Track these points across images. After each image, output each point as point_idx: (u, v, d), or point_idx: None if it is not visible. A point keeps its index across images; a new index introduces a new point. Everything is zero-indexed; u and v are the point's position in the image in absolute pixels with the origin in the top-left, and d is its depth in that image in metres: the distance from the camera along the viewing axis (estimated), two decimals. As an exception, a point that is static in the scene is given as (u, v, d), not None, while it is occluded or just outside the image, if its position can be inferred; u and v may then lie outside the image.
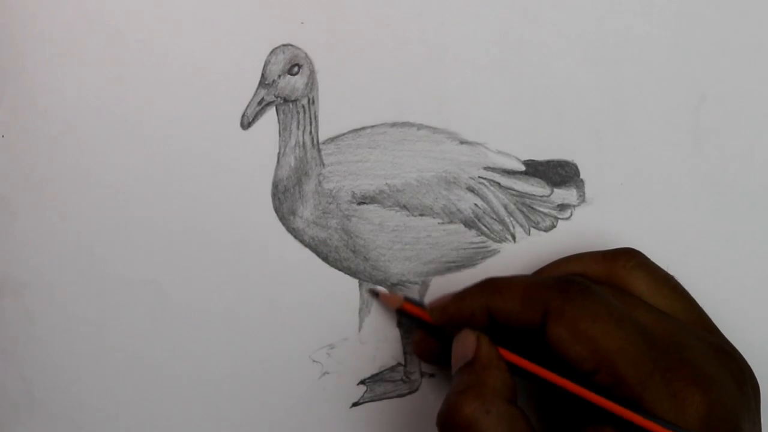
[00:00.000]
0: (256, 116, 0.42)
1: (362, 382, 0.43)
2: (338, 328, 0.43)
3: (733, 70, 0.44)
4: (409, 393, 0.43)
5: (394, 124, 0.43)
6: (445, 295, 0.39)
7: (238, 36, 0.42)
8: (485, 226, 0.43)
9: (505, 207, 0.43)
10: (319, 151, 0.43)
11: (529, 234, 0.43)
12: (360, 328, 0.43)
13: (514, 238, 0.43)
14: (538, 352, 0.36)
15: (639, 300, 0.38)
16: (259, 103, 0.42)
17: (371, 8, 0.43)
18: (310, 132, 0.42)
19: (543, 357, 0.36)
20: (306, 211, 0.42)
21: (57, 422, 0.42)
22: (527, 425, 0.35)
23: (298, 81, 0.42)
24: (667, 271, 0.40)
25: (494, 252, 0.43)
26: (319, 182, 0.42)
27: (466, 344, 0.37)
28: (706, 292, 0.41)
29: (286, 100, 0.42)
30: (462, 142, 0.43)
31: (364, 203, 0.43)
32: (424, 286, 0.43)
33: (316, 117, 0.42)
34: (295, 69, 0.42)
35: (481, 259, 0.43)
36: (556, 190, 0.43)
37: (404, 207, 0.43)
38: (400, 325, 0.43)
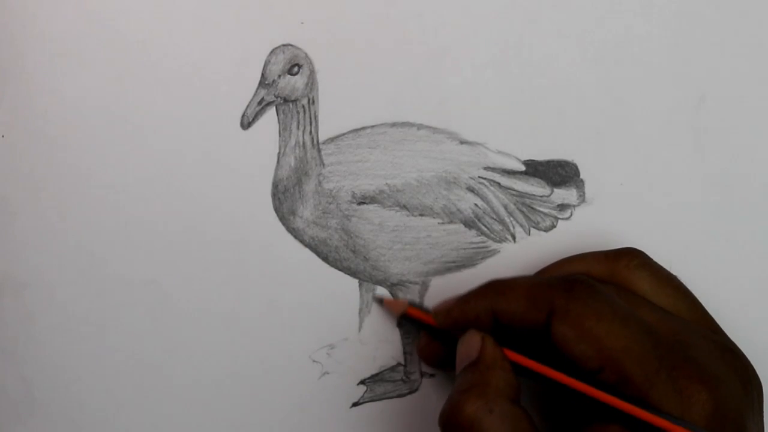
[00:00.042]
0: (256, 116, 0.42)
1: (362, 382, 0.43)
2: (338, 328, 0.43)
3: (733, 70, 0.44)
4: (409, 393, 0.43)
5: (394, 124, 0.43)
6: (449, 298, 0.39)
7: (238, 36, 0.42)
8: (485, 226, 0.43)
9: (505, 207, 0.43)
10: (319, 151, 0.43)
11: (529, 234, 0.43)
12: (360, 328, 0.43)
13: (514, 238, 0.43)
14: (543, 353, 0.36)
15: (643, 299, 0.38)
16: (259, 103, 0.42)
17: (371, 8, 0.43)
18: (310, 132, 0.42)
19: (548, 357, 0.36)
20: (306, 211, 0.42)
21: (57, 422, 0.42)
22: (530, 425, 0.35)
23: (298, 81, 0.42)
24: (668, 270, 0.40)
25: (494, 252, 0.43)
26: (319, 182, 0.42)
27: (470, 345, 0.37)
28: (706, 291, 0.41)
29: (286, 100, 0.42)
30: (462, 142, 0.43)
31: (364, 203, 0.43)
32: (424, 286, 0.43)
33: (316, 117, 0.42)
34: (295, 69, 0.42)
35: (481, 259, 0.43)
36: (556, 190, 0.43)
37: (404, 207, 0.43)
38: (400, 325, 0.43)
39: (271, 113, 0.42)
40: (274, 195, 0.42)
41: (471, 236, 0.43)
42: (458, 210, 0.43)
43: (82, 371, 0.42)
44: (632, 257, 0.39)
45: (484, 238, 0.43)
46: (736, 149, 0.44)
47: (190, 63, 0.42)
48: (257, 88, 0.42)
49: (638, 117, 0.44)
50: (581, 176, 0.44)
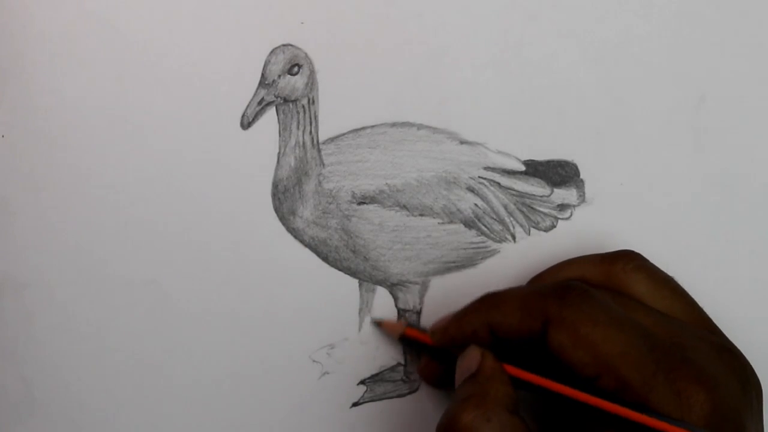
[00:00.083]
0: (256, 116, 0.42)
1: (362, 382, 0.43)
2: (338, 328, 0.43)
3: (733, 70, 0.44)
4: (409, 393, 0.43)
5: (394, 124, 0.43)
6: (445, 316, 0.39)
7: (238, 36, 0.42)
8: (485, 226, 0.43)
9: (505, 207, 0.43)
10: (319, 151, 0.43)
11: (529, 234, 0.43)
12: (360, 328, 0.43)
13: (514, 238, 0.43)
14: (542, 364, 0.36)
15: (639, 302, 0.38)
16: (259, 103, 0.42)
17: (371, 8, 0.43)
18: (310, 132, 0.42)
19: (546, 367, 0.36)
20: (306, 211, 0.42)
21: (57, 422, 0.42)
22: None
23: (298, 81, 0.42)
24: (667, 270, 0.40)
25: (494, 252, 0.43)
26: (319, 182, 0.42)
27: (470, 359, 0.37)
28: (706, 291, 0.41)
29: (286, 100, 0.42)
30: (462, 142, 0.43)
31: (364, 203, 0.43)
32: (424, 286, 0.43)
33: (316, 117, 0.42)
34: (295, 69, 0.42)
35: (481, 259, 0.43)
36: (556, 190, 0.43)
37: (404, 207, 0.43)
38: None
39: (271, 113, 0.42)
40: (274, 195, 0.42)
41: (471, 236, 0.43)
42: (458, 210, 0.43)
43: (82, 371, 0.42)
44: (628, 260, 0.39)
45: (484, 238, 0.43)
46: (736, 149, 0.44)
47: (190, 63, 0.42)
48: (257, 88, 0.42)
49: (638, 117, 0.44)
50: (581, 176, 0.44)
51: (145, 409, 0.43)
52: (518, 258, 0.43)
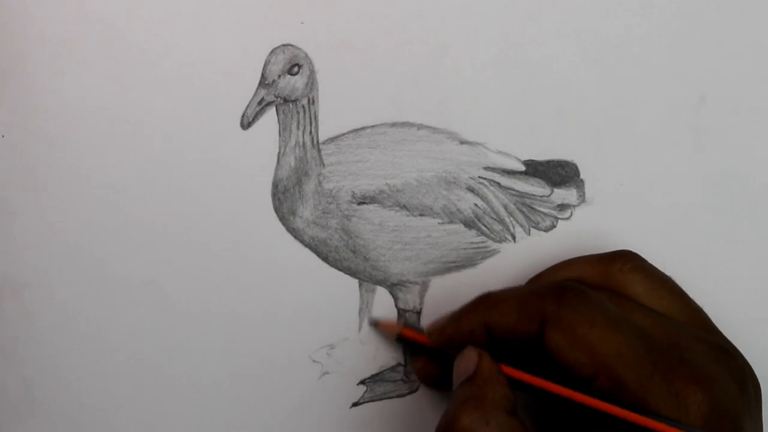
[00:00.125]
0: (256, 116, 0.42)
1: (362, 382, 0.43)
2: (338, 328, 0.43)
3: (733, 70, 0.44)
4: (409, 393, 0.43)
5: (394, 124, 0.43)
6: (442, 316, 0.39)
7: (238, 36, 0.42)
8: (485, 226, 0.43)
9: (505, 207, 0.43)
10: (319, 151, 0.43)
11: (529, 234, 0.43)
12: (360, 328, 0.43)
13: (514, 238, 0.43)
14: (539, 364, 0.36)
15: (636, 303, 0.38)
16: (259, 103, 0.42)
17: (371, 8, 0.43)
18: (310, 132, 0.42)
19: (544, 368, 0.36)
20: (306, 211, 0.42)
21: (57, 422, 0.42)
22: None
23: (298, 81, 0.42)
24: (667, 270, 0.40)
25: (494, 252, 0.43)
26: (319, 182, 0.42)
27: (467, 360, 0.37)
28: (705, 291, 0.41)
29: (286, 100, 0.42)
30: (462, 142, 0.43)
31: (364, 203, 0.43)
32: (424, 286, 0.43)
33: (316, 117, 0.42)
34: (295, 69, 0.42)
35: (481, 259, 0.43)
36: (556, 190, 0.43)
37: (404, 207, 0.43)
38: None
39: (271, 113, 0.42)
40: (274, 195, 0.42)
41: (471, 236, 0.43)
42: (458, 210, 0.43)
43: (82, 371, 0.42)
44: (626, 260, 0.39)
45: (484, 238, 0.43)
46: (736, 149, 0.44)
47: (190, 63, 0.42)
48: (257, 88, 0.42)
49: (638, 117, 0.44)
50: (581, 176, 0.44)
51: (145, 409, 0.43)
52: (518, 258, 0.43)
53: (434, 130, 0.43)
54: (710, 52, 0.44)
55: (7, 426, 0.42)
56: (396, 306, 0.43)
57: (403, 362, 0.43)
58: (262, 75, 0.42)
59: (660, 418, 0.33)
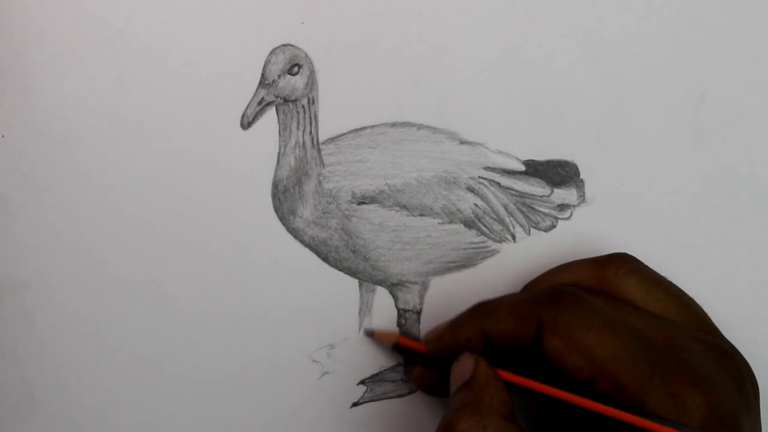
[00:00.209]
0: (256, 116, 0.42)
1: (362, 382, 0.43)
2: (338, 328, 0.43)
3: (733, 70, 0.44)
4: (409, 393, 0.43)
5: (394, 124, 0.43)
6: (439, 324, 0.39)
7: (238, 36, 0.42)
8: (485, 226, 0.43)
9: (505, 207, 0.43)
10: (319, 151, 0.43)
11: (529, 234, 0.43)
12: (360, 328, 0.43)
13: (514, 238, 0.43)
14: (537, 370, 0.36)
15: (632, 306, 0.38)
16: (259, 103, 0.42)
17: (371, 8, 0.43)
18: (310, 132, 0.42)
19: (542, 373, 0.36)
20: (306, 211, 0.42)
21: (57, 422, 0.42)
22: None
23: (298, 81, 0.42)
24: (666, 270, 0.40)
25: (494, 252, 0.43)
26: (319, 182, 0.42)
27: (464, 366, 0.37)
28: (706, 291, 0.41)
29: (286, 100, 0.42)
30: (462, 142, 0.43)
31: (364, 203, 0.43)
32: (424, 286, 0.43)
33: (316, 117, 0.42)
34: (295, 69, 0.42)
35: (481, 259, 0.43)
36: (556, 190, 0.43)
37: (404, 207, 0.43)
38: (400, 325, 0.43)
39: (271, 113, 0.42)
40: (274, 195, 0.42)
41: (471, 236, 0.43)
42: (458, 210, 0.43)
43: (82, 371, 0.42)
44: (621, 263, 0.39)
45: (484, 238, 0.43)
46: (736, 149, 0.44)
47: (190, 63, 0.42)
48: (257, 88, 0.42)
49: (638, 117, 0.44)
50: (581, 176, 0.44)
51: (145, 409, 0.43)
52: (518, 258, 0.43)
53: (434, 130, 0.43)
54: (710, 52, 0.44)
55: (7, 426, 0.42)
56: (396, 306, 0.43)
57: (403, 362, 0.43)
58: (262, 75, 0.42)
59: (659, 419, 0.33)
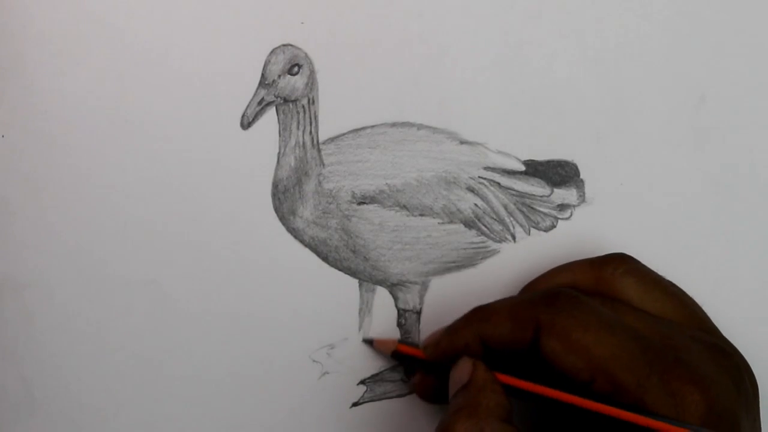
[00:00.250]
0: (256, 116, 0.42)
1: (362, 382, 0.43)
2: (338, 328, 0.43)
3: (733, 70, 0.44)
4: (409, 393, 0.43)
5: (394, 124, 0.43)
6: (437, 330, 0.39)
7: (238, 36, 0.42)
8: (485, 226, 0.43)
9: (505, 207, 0.43)
10: (319, 151, 0.43)
11: (529, 234, 0.43)
12: (360, 328, 0.43)
13: (514, 238, 0.43)
14: (536, 372, 0.36)
15: (629, 306, 0.38)
16: (259, 103, 0.42)
17: (371, 8, 0.43)
18: (310, 132, 0.42)
19: (541, 376, 0.36)
20: (306, 211, 0.42)
21: (57, 422, 0.42)
22: None
23: (298, 81, 0.42)
24: (666, 270, 0.40)
25: (494, 252, 0.43)
26: (319, 182, 0.42)
27: (462, 370, 0.37)
28: (706, 291, 0.41)
29: (286, 100, 0.42)
30: (462, 142, 0.43)
31: (364, 203, 0.43)
32: (424, 286, 0.43)
33: (316, 117, 0.42)
34: (295, 69, 0.42)
35: (481, 259, 0.43)
36: (556, 190, 0.43)
37: (404, 207, 0.43)
38: (400, 325, 0.43)
39: (271, 113, 0.42)
40: (274, 195, 0.42)
41: (471, 236, 0.43)
42: (458, 210, 0.43)
43: (82, 371, 0.42)
44: (618, 264, 0.39)
45: (484, 238, 0.43)
46: (736, 149, 0.44)
47: (190, 63, 0.42)
48: (257, 88, 0.42)
49: (638, 117, 0.44)
50: (581, 176, 0.44)
51: (145, 409, 0.43)
52: (518, 258, 0.43)
53: (434, 130, 0.43)
54: (710, 52, 0.44)
55: (7, 426, 0.42)
56: (396, 306, 0.43)
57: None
58: (262, 75, 0.42)
59: (659, 417, 0.33)
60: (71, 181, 0.42)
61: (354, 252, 0.43)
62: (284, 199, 0.42)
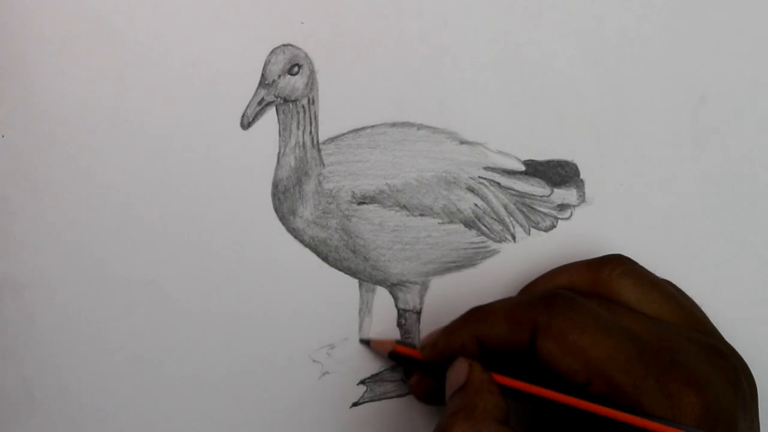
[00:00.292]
0: (256, 116, 0.42)
1: (362, 382, 0.43)
2: (338, 328, 0.43)
3: (733, 70, 0.44)
4: (409, 393, 0.43)
5: (394, 124, 0.43)
6: (434, 331, 0.39)
7: (238, 36, 0.42)
8: (485, 226, 0.43)
9: (505, 207, 0.43)
10: (319, 151, 0.43)
11: (529, 234, 0.43)
12: (360, 328, 0.43)
13: (514, 238, 0.43)
14: (533, 374, 0.36)
15: (626, 307, 0.38)
16: (259, 103, 0.42)
17: (371, 8, 0.43)
18: (310, 132, 0.42)
19: (538, 377, 0.36)
20: (306, 211, 0.42)
21: (57, 422, 0.42)
22: None
23: (298, 81, 0.42)
24: (666, 270, 0.40)
25: (494, 252, 0.43)
26: (319, 182, 0.42)
27: (458, 371, 0.37)
28: (705, 291, 0.41)
29: (286, 100, 0.42)
30: (462, 142, 0.43)
31: (364, 203, 0.43)
32: (424, 286, 0.43)
33: (316, 117, 0.42)
34: (295, 69, 0.42)
35: (481, 259, 0.43)
36: (556, 190, 0.43)
37: (404, 207, 0.43)
38: (400, 325, 0.43)
39: (271, 113, 0.42)
40: (274, 195, 0.42)
41: (471, 236, 0.43)
42: (458, 210, 0.43)
43: (82, 371, 0.42)
44: (615, 265, 0.39)
45: (484, 238, 0.43)
46: (736, 149, 0.44)
47: (190, 63, 0.42)
48: (257, 88, 0.42)
49: (638, 117, 0.44)
50: (581, 176, 0.44)
51: (145, 409, 0.43)
52: (518, 258, 0.43)
53: (434, 130, 0.43)
54: (710, 52, 0.44)
55: (7, 426, 0.42)
56: (396, 306, 0.43)
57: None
58: (262, 75, 0.42)
59: (655, 418, 0.33)
60: (71, 181, 0.42)
61: (354, 252, 0.43)
62: (284, 199, 0.42)
